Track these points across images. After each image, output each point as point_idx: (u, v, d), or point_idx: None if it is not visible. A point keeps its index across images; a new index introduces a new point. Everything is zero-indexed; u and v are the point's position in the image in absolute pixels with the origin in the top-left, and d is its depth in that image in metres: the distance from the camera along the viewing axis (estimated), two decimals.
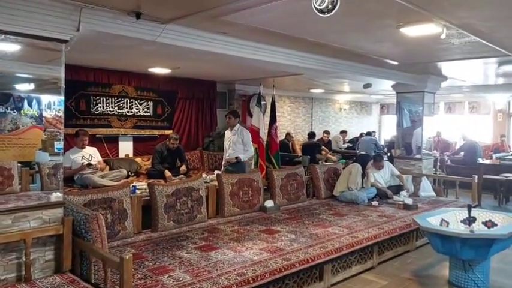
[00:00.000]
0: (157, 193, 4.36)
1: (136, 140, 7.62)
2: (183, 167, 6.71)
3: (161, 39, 3.80)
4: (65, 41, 3.15)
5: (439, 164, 9.73)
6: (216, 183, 5.27)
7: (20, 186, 3.66)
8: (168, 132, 7.65)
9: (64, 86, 3.23)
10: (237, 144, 5.96)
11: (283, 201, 5.78)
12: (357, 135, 12.37)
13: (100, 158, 6.26)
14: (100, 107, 6.94)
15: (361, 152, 9.59)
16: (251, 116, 8.62)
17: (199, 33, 4.11)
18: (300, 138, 11.53)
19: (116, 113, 7.15)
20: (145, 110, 7.60)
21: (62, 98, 3.27)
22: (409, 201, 5.91)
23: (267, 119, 7.82)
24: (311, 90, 10.90)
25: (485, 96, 11.89)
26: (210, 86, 8.78)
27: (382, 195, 6.36)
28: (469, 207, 4.16)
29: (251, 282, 3.14)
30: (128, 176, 6.32)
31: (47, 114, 3.27)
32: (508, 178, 7.91)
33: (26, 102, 3.32)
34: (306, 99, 12.09)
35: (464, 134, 10.65)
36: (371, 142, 10.57)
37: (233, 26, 3.96)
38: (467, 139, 10.39)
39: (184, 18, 3.59)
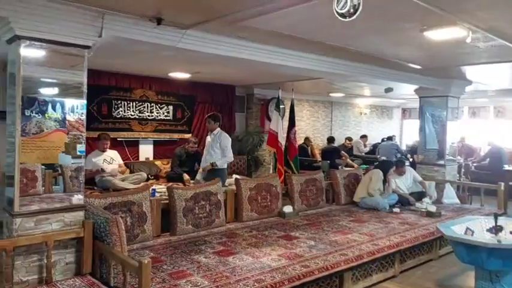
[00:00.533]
0: (176, 197, 4.38)
1: (156, 144, 7.71)
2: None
3: (181, 45, 3.82)
4: (88, 47, 3.22)
5: (463, 170, 9.46)
6: (234, 187, 5.26)
7: (43, 188, 3.72)
8: (187, 136, 7.72)
9: (86, 91, 3.30)
10: (214, 149, 5.60)
11: (302, 207, 5.71)
12: (378, 139, 12.13)
13: (121, 161, 6.36)
14: (121, 110, 7.06)
15: (382, 158, 9.42)
16: (270, 120, 8.60)
17: (218, 38, 4.12)
18: (319, 142, 11.42)
19: (137, 116, 7.27)
20: (165, 114, 7.69)
21: (85, 102, 3.33)
22: (432, 208, 5.77)
23: (286, 123, 7.79)
24: (331, 94, 10.79)
25: (511, 101, 11.53)
26: (229, 90, 8.81)
27: (403, 202, 6.22)
28: (496, 216, 4.01)
29: None
30: (147, 179, 6.39)
31: (70, 117, 3.33)
32: None
33: (50, 106, 3.38)
34: (325, 103, 11.96)
35: (490, 139, 10.32)
36: (392, 147, 10.36)
37: (252, 31, 3.96)
38: (493, 145, 10.08)
39: (204, 24, 3.60)
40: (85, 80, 3.24)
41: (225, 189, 5.12)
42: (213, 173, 5.49)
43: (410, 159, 9.47)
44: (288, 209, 5.39)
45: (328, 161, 8.74)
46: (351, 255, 3.88)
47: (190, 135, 7.79)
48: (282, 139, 7.25)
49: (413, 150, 9.81)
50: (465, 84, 7.62)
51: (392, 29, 3.94)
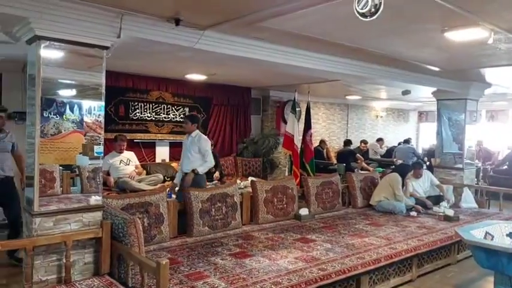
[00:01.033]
0: (192, 198, 4.39)
1: (172, 145, 7.74)
2: (217, 174, 6.73)
3: (199, 46, 3.83)
4: (106, 48, 3.24)
5: (481, 174, 9.28)
6: (250, 189, 5.24)
7: (61, 189, 3.77)
8: None
9: (104, 92, 3.32)
10: (193, 153, 5.00)
11: (318, 210, 5.67)
12: (394, 143, 12.02)
13: (137, 163, 6.40)
14: (138, 112, 7.13)
15: (399, 161, 9.30)
16: (285, 122, 8.58)
17: (236, 39, 4.11)
18: (335, 145, 11.35)
19: (153, 118, 7.33)
20: (182, 115, 7.72)
21: (103, 103, 3.36)
22: (450, 212, 5.66)
23: (302, 125, 7.76)
24: (347, 97, 10.71)
25: None
26: (245, 92, 8.82)
27: (420, 206, 6.12)
28: None
29: None
30: (164, 181, 6.42)
31: (87, 119, 3.36)
32: None
33: (68, 107, 3.42)
34: (341, 106, 11.90)
35: (510, 143, 10.10)
36: (409, 151, 10.23)
37: (269, 32, 3.94)
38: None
39: (221, 25, 3.60)
40: (103, 81, 3.26)
41: (241, 191, 5.11)
42: (195, 180, 4.93)
43: (427, 163, 9.32)
44: (304, 211, 5.35)
45: (344, 164, 8.67)
46: (368, 259, 3.82)
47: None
48: (297, 141, 7.23)
49: (430, 153, 9.66)
50: (484, 87, 7.47)
51: (412, 29, 3.88)
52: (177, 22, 3.41)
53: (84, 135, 3.36)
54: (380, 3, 2.40)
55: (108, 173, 5.92)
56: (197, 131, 5.16)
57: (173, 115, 7.62)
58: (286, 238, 4.40)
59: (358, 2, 2.47)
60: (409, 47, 4.63)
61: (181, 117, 7.70)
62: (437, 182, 6.57)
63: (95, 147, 3.36)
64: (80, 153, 3.39)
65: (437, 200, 6.27)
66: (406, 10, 3.27)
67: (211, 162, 5.11)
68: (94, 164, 3.40)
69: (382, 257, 3.93)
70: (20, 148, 4.55)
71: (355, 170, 8.48)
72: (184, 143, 5.21)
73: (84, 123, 3.35)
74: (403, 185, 6.15)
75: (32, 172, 3.06)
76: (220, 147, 8.40)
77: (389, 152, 11.28)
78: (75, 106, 3.36)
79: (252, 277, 3.22)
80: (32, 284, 2.94)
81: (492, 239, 3.98)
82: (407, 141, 11.09)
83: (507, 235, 4.12)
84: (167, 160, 7.56)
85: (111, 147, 6.31)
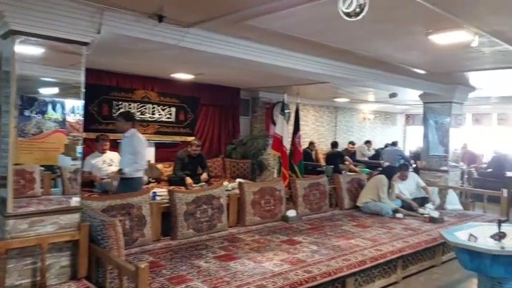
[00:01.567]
0: (177, 200, 4.30)
1: (158, 146, 7.61)
2: (204, 175, 6.63)
3: (184, 44, 3.76)
4: (86, 44, 3.14)
5: (466, 176, 9.40)
6: (237, 191, 5.18)
7: (41, 190, 3.66)
8: (190, 138, 7.60)
9: (85, 90, 3.23)
10: (125, 154, 4.62)
11: (305, 211, 5.64)
12: (381, 145, 12.13)
13: None
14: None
15: (386, 163, 9.36)
16: (274, 124, 8.55)
17: (222, 38, 4.06)
18: (323, 147, 11.38)
19: (138, 118, 7.17)
20: (168, 116, 7.60)
21: (82, 102, 3.26)
22: (435, 214, 5.71)
23: (291, 127, 7.74)
24: (335, 99, 10.78)
25: None
26: (234, 92, 8.74)
27: (406, 208, 6.14)
28: (499, 222, 3.94)
29: None
30: (148, 182, 6.31)
31: (70, 118, 3.27)
32: None
33: (50, 106, 3.32)
34: (330, 108, 11.96)
35: (495, 146, 10.27)
36: (396, 153, 10.30)
37: (256, 31, 3.90)
38: (497, 152, 10.03)
39: (207, 22, 3.54)
40: (83, 79, 3.16)
41: (228, 193, 5.05)
42: (124, 184, 4.56)
43: (414, 165, 9.39)
44: (291, 213, 5.33)
45: (332, 166, 8.68)
46: (354, 261, 3.81)
47: (193, 138, 7.67)
48: (286, 143, 7.22)
49: (416, 156, 9.77)
50: (468, 90, 7.58)
51: (397, 32, 3.89)
52: (160, 19, 3.33)
53: (67, 135, 3.27)
54: (365, 3, 2.37)
55: (90, 173, 5.80)
56: (132, 130, 4.80)
57: (159, 115, 7.47)
58: (273, 240, 4.36)
59: (343, 2, 2.43)
60: (395, 49, 4.66)
61: (167, 117, 7.61)
62: (423, 184, 6.61)
63: (77, 147, 3.28)
64: (62, 154, 3.29)
65: (423, 201, 6.30)
66: (391, 12, 3.26)
67: (142, 165, 4.74)
68: (76, 164, 3.31)
69: (367, 259, 3.91)
70: None
71: (343, 171, 8.50)
72: (121, 142, 4.84)
73: (66, 122, 3.26)
74: (389, 187, 6.17)
75: (6, 172, 2.94)
76: (208, 148, 8.31)
77: (377, 154, 11.37)
78: (58, 105, 3.27)
79: (236, 280, 3.17)
80: None
81: (476, 241, 4.00)
82: (394, 143, 11.18)
83: (490, 237, 4.14)
84: (152, 161, 7.42)
85: (94, 147, 6.18)
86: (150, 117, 7.35)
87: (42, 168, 3.68)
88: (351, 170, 8.96)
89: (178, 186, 6.09)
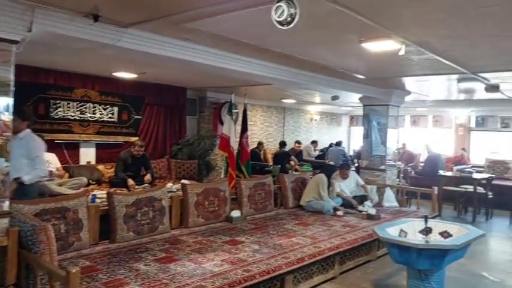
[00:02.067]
0: (116, 203, 4.21)
1: (99, 147, 7.38)
2: (148, 176, 6.52)
3: (122, 44, 3.68)
4: (16, 42, 3.01)
5: (402, 175, 9.95)
6: (180, 193, 5.14)
7: None
8: (134, 139, 7.45)
9: (18, 88, 3.09)
10: (19, 158, 3.89)
11: (250, 211, 5.71)
12: (327, 145, 12.55)
13: (59, 165, 6.04)
14: (60, 111, 6.66)
15: (331, 162, 9.70)
16: (222, 124, 8.56)
17: (162, 39, 4.02)
18: (272, 147, 11.57)
19: (78, 118, 6.90)
20: (110, 115, 7.38)
21: (11, 100, 3.11)
22: (372, 211, 6.00)
23: (239, 127, 7.79)
24: (283, 100, 10.98)
25: (447, 111, 12.34)
26: (180, 92, 8.65)
27: (347, 205, 6.41)
28: (425, 218, 4.23)
29: None
30: (88, 184, 6.11)
31: (4, 117, 3.09)
32: (467, 190, 8.17)
33: None
34: (278, 109, 12.18)
35: (428, 146, 10.94)
36: (340, 152, 10.74)
37: (197, 33, 3.91)
38: (430, 151, 10.68)
39: (145, 23, 3.49)
40: (12, 77, 3.02)
41: (170, 195, 5.00)
42: (19, 191, 3.93)
43: (356, 164, 9.80)
44: (235, 213, 5.37)
45: (279, 165, 8.86)
46: (293, 258, 3.92)
47: (136, 138, 7.53)
48: (234, 143, 7.24)
49: (359, 155, 10.17)
50: (404, 94, 8.06)
51: (332, 39, 4.06)
52: (96, 18, 3.24)
53: (1, 135, 3.09)
54: (295, 13, 2.48)
55: None
56: (27, 130, 4.16)
57: (100, 114, 7.22)
58: (215, 241, 4.39)
59: (275, 11, 2.53)
60: (333, 56, 4.84)
61: (109, 117, 7.38)
62: (362, 183, 6.93)
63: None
64: None
65: (362, 199, 6.59)
66: (325, 21, 3.41)
67: (43, 170, 4.31)
68: (9, 166, 3.13)
69: (306, 256, 4.05)
70: None
71: (290, 171, 8.70)
72: (11, 144, 3.77)
73: (0, 122, 3.08)
74: (329, 185, 6.41)
75: None
76: (152, 148, 8.17)
77: (323, 153, 11.76)
78: None
79: (174, 282, 3.17)
80: None
81: (406, 236, 4.27)
82: (338, 143, 11.61)
83: (419, 232, 4.44)
84: (93, 162, 7.18)
85: None
86: (90, 116, 7.09)
87: None
88: (297, 170, 9.19)
89: (120, 188, 5.96)
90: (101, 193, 5.20)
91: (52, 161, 5.78)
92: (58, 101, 6.64)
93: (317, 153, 12.06)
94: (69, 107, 6.78)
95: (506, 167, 10.17)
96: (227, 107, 7.86)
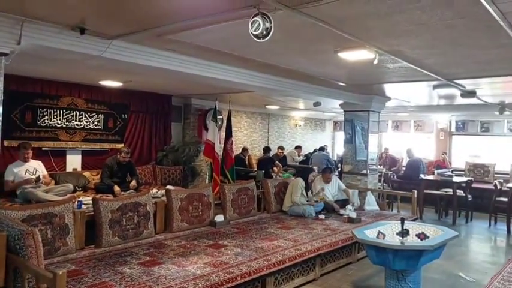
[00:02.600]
0: (101, 208, 4.31)
1: (85, 154, 7.43)
2: (133, 182, 6.61)
3: (107, 55, 3.82)
4: (5, 54, 3.13)
5: (382, 179, 10.15)
6: (164, 198, 5.24)
7: None
8: (119, 146, 7.54)
9: (5, 97, 3.20)
10: None
11: (233, 216, 5.82)
12: (311, 150, 12.74)
13: (45, 172, 6.09)
14: (47, 119, 6.73)
15: (315, 167, 9.88)
16: (207, 130, 8.69)
17: (147, 50, 4.17)
18: (256, 153, 11.71)
19: (64, 125, 6.97)
20: (96, 123, 7.46)
21: (1, 109, 3.22)
22: (353, 214, 6.16)
23: (223, 133, 7.91)
24: (267, 107, 11.13)
25: (429, 116, 12.62)
26: (165, 99, 8.75)
27: (329, 209, 6.57)
28: (402, 221, 4.41)
29: None
30: (74, 191, 6.17)
31: None
32: (447, 193, 8.41)
33: None
34: (262, 115, 12.33)
35: (409, 151, 11.18)
36: (323, 157, 10.92)
37: (180, 44, 4.05)
38: (412, 155, 10.93)
39: (129, 36, 3.64)
40: (1, 87, 3.14)
41: (155, 200, 5.10)
42: None
43: (339, 169, 10.00)
44: (219, 218, 5.47)
45: (263, 171, 9.00)
46: (274, 261, 4.05)
47: (122, 145, 7.62)
48: (218, 149, 7.35)
49: (342, 160, 10.38)
50: (385, 100, 8.29)
51: (309, 49, 4.23)
52: (82, 31, 3.38)
53: None
54: (270, 27, 2.66)
55: (13, 182, 5.57)
56: None
57: (86, 122, 7.29)
58: (199, 245, 4.49)
59: (251, 25, 2.70)
60: (312, 64, 5.01)
61: (95, 125, 7.45)
62: (344, 187, 7.11)
63: None
64: None
65: (344, 203, 6.74)
66: (301, 33, 3.58)
67: None
68: None
69: (287, 258, 4.17)
70: None
71: (274, 176, 8.86)
72: None
73: None
74: (308, 188, 6.53)
75: None
76: (138, 155, 8.25)
77: (307, 158, 11.94)
78: None
79: (158, 284, 3.27)
80: None
81: (384, 238, 4.44)
82: (322, 148, 11.81)
83: (397, 234, 4.62)
84: (79, 169, 7.24)
85: (16, 156, 5.93)
86: (77, 124, 7.16)
87: None
88: (280, 175, 9.35)
89: (106, 194, 6.03)
90: (87, 199, 5.29)
91: (39, 168, 5.85)
92: (45, 109, 6.71)
93: (301, 158, 12.24)
94: (55, 115, 6.85)
95: (486, 171, 10.38)
96: (212, 113, 8.02)
